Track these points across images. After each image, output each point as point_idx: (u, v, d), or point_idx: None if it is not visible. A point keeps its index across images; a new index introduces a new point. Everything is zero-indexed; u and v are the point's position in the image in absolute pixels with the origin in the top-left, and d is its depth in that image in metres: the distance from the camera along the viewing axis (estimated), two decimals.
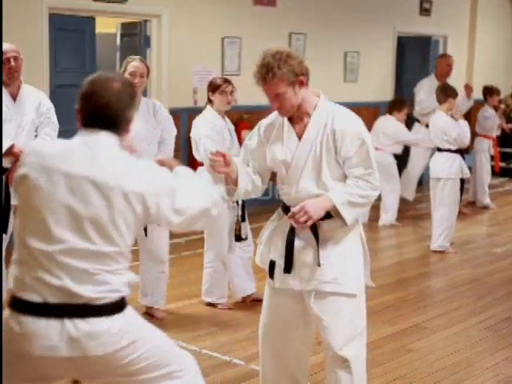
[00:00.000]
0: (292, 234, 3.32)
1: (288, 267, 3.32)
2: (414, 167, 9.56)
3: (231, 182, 3.35)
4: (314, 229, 3.27)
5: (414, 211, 9.35)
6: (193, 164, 5.39)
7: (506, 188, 11.30)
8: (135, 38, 8.54)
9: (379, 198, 7.55)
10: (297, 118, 3.32)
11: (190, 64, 8.57)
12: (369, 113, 9.14)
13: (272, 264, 3.40)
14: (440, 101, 7.41)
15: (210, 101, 5.36)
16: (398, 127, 8.38)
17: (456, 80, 9.41)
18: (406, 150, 9.21)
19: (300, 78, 3.20)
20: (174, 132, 5.28)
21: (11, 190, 4.69)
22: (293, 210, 3.23)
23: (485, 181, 9.76)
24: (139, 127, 4.98)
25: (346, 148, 3.22)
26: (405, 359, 4.65)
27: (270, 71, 3.15)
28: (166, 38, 8.35)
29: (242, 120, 8.61)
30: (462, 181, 7.31)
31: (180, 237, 7.15)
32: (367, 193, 3.26)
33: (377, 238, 8.02)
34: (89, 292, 2.43)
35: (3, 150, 4.64)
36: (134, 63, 5.01)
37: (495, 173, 10.06)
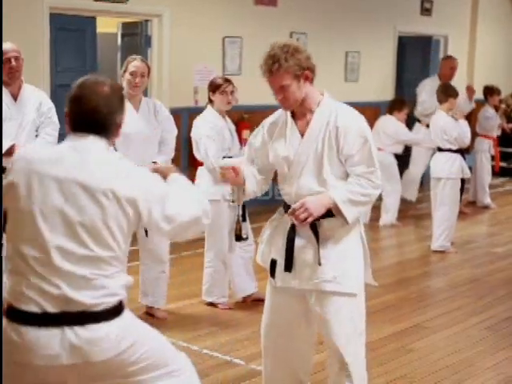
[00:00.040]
0: (292, 231, 3.31)
1: (288, 265, 3.32)
2: (416, 167, 9.57)
3: (238, 186, 3.42)
4: (315, 227, 3.27)
5: (414, 211, 9.34)
6: (193, 164, 5.39)
7: (507, 188, 11.30)
8: (136, 37, 8.52)
9: (380, 198, 7.55)
10: (300, 114, 3.32)
11: (191, 64, 8.56)
12: (369, 112, 9.09)
13: (273, 263, 3.40)
14: (440, 101, 7.40)
15: (210, 101, 5.36)
16: (399, 127, 8.38)
17: (457, 80, 9.40)
18: (408, 150, 9.21)
19: (306, 72, 3.20)
20: (175, 132, 5.28)
21: None
22: (293, 206, 3.23)
23: (485, 181, 9.76)
24: (140, 127, 5.01)
25: (348, 146, 3.22)
26: (405, 359, 4.65)
27: (276, 62, 3.15)
28: (167, 37, 8.34)
29: (243, 120, 8.61)
30: (463, 181, 7.31)
31: None
32: (369, 191, 3.26)
33: (377, 237, 8.01)
34: (87, 298, 2.42)
35: (3, 150, 4.64)
36: (134, 63, 5.02)
37: (496, 173, 10.07)
